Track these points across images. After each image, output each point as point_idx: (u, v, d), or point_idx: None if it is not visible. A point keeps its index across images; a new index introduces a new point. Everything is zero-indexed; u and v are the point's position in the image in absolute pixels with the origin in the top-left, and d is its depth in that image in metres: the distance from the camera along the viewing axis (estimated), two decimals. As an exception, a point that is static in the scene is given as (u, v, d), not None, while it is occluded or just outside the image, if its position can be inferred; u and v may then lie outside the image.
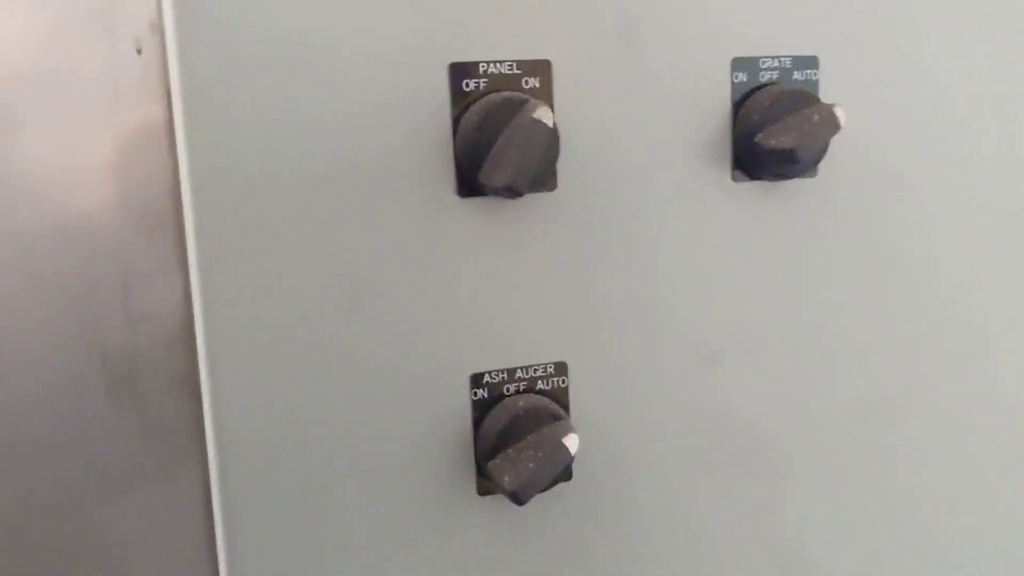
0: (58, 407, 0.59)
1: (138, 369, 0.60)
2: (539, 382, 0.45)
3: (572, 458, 0.41)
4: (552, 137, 0.40)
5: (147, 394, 0.60)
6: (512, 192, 0.39)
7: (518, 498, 0.40)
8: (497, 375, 0.44)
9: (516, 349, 0.44)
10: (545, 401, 0.43)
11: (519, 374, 0.44)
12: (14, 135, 0.57)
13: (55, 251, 0.59)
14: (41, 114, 0.59)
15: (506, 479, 0.40)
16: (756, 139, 0.44)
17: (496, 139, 0.40)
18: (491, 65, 0.42)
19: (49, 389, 0.59)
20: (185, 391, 0.61)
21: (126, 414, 0.60)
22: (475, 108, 0.41)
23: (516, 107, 0.40)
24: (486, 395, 0.44)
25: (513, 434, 0.42)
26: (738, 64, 0.46)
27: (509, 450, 0.41)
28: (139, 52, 0.58)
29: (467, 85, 0.41)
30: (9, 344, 0.58)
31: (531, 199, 0.43)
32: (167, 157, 0.56)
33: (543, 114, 0.39)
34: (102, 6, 0.58)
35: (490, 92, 0.42)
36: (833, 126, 0.43)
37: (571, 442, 0.41)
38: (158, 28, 0.55)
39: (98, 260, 0.59)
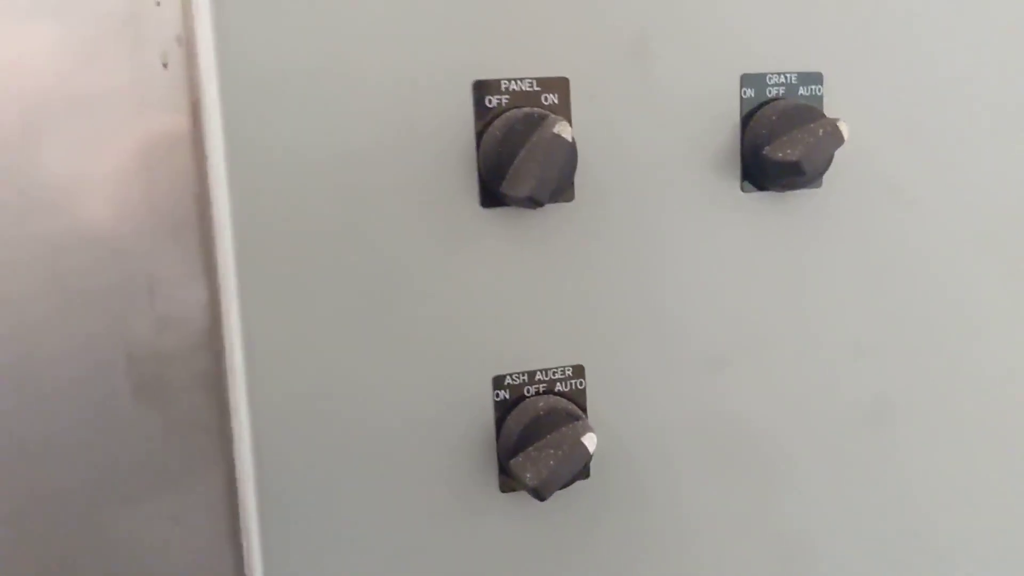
0: (85, 409, 0.61)
1: (163, 372, 0.62)
2: (558, 384, 0.46)
3: (590, 456, 0.42)
4: (571, 151, 0.41)
5: (172, 396, 0.62)
6: (533, 203, 0.41)
7: (539, 494, 0.42)
8: (518, 377, 0.46)
9: (536, 353, 0.46)
10: (564, 402, 0.45)
11: (539, 376, 0.46)
12: (41, 145, 0.58)
13: (82, 257, 0.60)
14: (67, 124, 0.60)
15: (528, 476, 0.42)
16: (764, 152, 0.46)
17: (518, 152, 0.41)
18: (512, 82, 0.43)
19: (76, 392, 0.61)
20: (209, 393, 0.62)
21: (151, 416, 0.62)
22: (498, 123, 0.43)
23: (537, 122, 0.42)
24: (507, 396, 0.45)
25: (534, 433, 0.43)
26: (747, 80, 0.47)
27: (530, 449, 0.43)
28: (165, 66, 0.60)
29: (490, 101, 0.43)
30: (37, 348, 0.60)
31: (550, 209, 0.45)
32: (192, 165, 0.57)
33: (563, 129, 0.41)
34: (128, 19, 0.60)
35: (512, 108, 0.43)
36: (837, 139, 0.45)
37: (589, 441, 0.43)
38: (184, 42, 0.57)
39: (124, 265, 0.61)
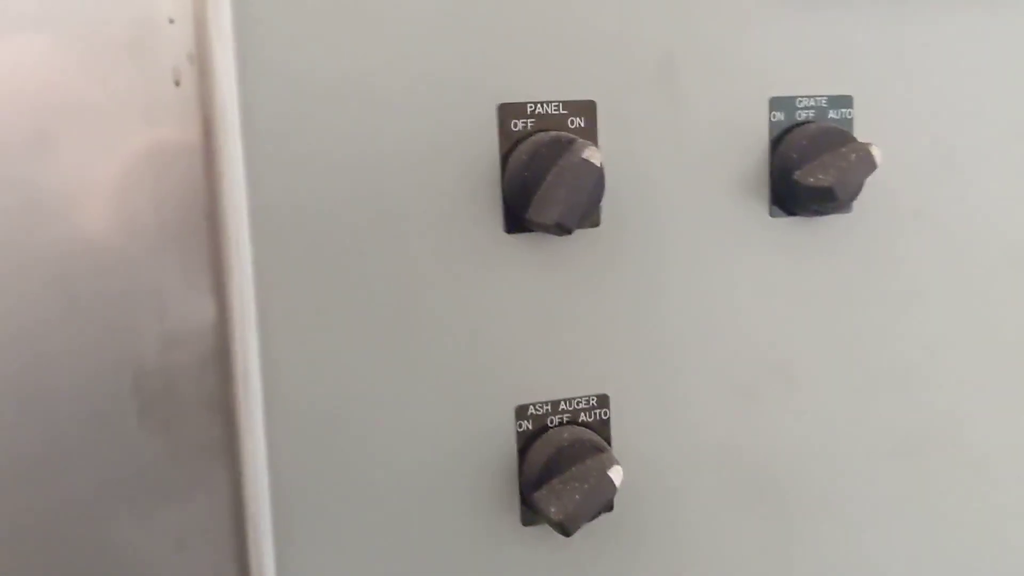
0: (89, 428, 0.60)
1: (171, 390, 0.61)
2: (582, 414, 0.45)
3: (616, 490, 0.41)
4: (600, 176, 0.40)
5: (179, 415, 0.61)
6: (562, 229, 0.40)
7: (565, 529, 0.41)
8: (541, 407, 0.45)
9: (560, 382, 0.45)
10: (588, 433, 0.44)
11: (563, 406, 0.45)
12: (50, 159, 0.58)
13: (89, 273, 0.59)
14: (76, 140, 0.60)
15: (552, 510, 0.41)
16: (794, 176, 0.45)
17: (544, 177, 0.40)
18: (538, 106, 0.43)
19: (80, 410, 0.60)
20: (217, 413, 0.61)
21: (157, 436, 0.61)
22: (523, 147, 0.42)
23: (564, 146, 0.41)
24: (530, 427, 0.44)
25: (558, 465, 0.42)
26: (775, 103, 0.47)
27: (554, 481, 0.42)
28: (177, 84, 0.59)
29: (515, 125, 0.42)
30: (42, 364, 0.59)
31: (576, 235, 0.44)
32: (203, 182, 0.57)
33: (592, 154, 0.40)
34: (140, 37, 0.60)
35: (538, 131, 0.43)
36: (869, 164, 0.44)
37: (616, 474, 0.41)
38: (196, 60, 0.56)
39: (132, 281, 0.60)
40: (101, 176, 0.59)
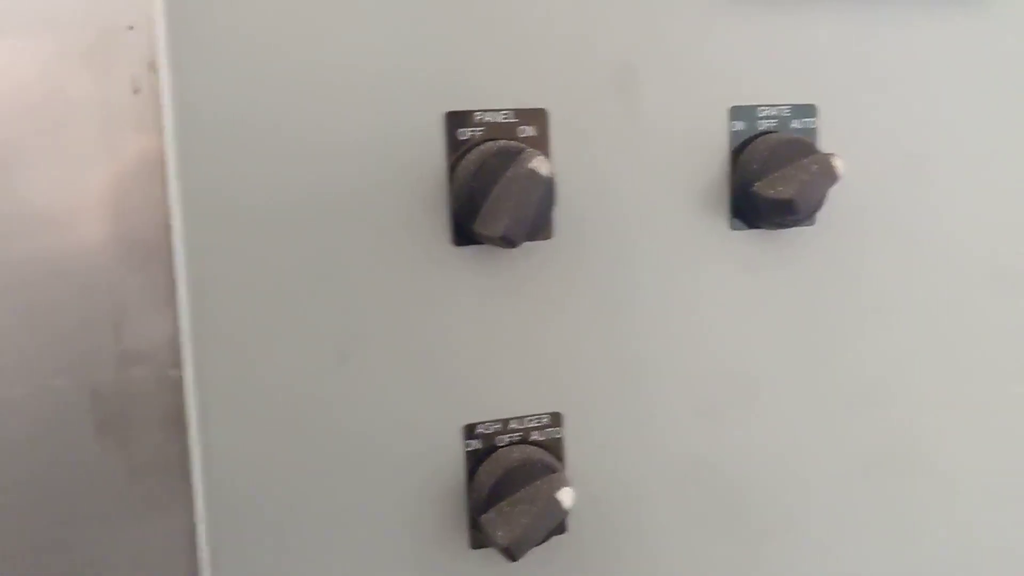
0: (47, 444, 0.59)
1: (128, 407, 0.59)
2: (533, 433, 0.44)
3: (566, 513, 0.40)
4: (548, 188, 0.39)
5: (136, 432, 0.60)
6: (507, 242, 0.39)
7: (511, 554, 0.39)
8: (491, 426, 0.43)
9: (510, 399, 0.44)
10: (540, 453, 0.43)
11: (513, 425, 0.44)
12: (9, 170, 0.56)
13: (47, 285, 0.58)
14: (36, 150, 0.59)
15: (499, 534, 0.40)
16: (755, 188, 0.44)
17: (492, 188, 0.39)
18: (487, 114, 0.42)
19: (38, 426, 0.59)
20: (175, 430, 0.60)
21: (115, 452, 0.59)
22: (471, 157, 0.41)
23: (512, 156, 0.40)
24: (480, 446, 0.43)
25: (507, 487, 0.41)
26: (736, 112, 0.46)
27: (503, 503, 0.41)
28: (136, 92, 0.58)
29: (463, 134, 0.41)
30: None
31: (527, 248, 0.43)
32: (162, 199, 0.56)
33: (540, 164, 0.39)
34: (100, 44, 0.58)
35: (486, 141, 0.41)
36: (831, 176, 0.43)
37: (566, 496, 0.40)
38: (156, 68, 0.55)
39: (90, 296, 0.59)
40: (59, 188, 0.58)
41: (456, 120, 0.41)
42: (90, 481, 0.59)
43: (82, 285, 0.60)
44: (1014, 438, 0.53)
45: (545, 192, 0.39)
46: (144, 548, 0.60)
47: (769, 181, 0.44)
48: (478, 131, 0.42)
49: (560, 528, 0.44)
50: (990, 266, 0.51)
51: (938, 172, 0.50)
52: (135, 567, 0.61)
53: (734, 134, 0.46)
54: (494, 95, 0.42)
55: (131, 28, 0.60)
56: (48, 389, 0.58)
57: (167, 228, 0.54)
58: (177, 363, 0.51)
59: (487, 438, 0.43)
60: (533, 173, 0.38)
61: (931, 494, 0.52)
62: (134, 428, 0.59)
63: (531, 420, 0.44)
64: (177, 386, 0.53)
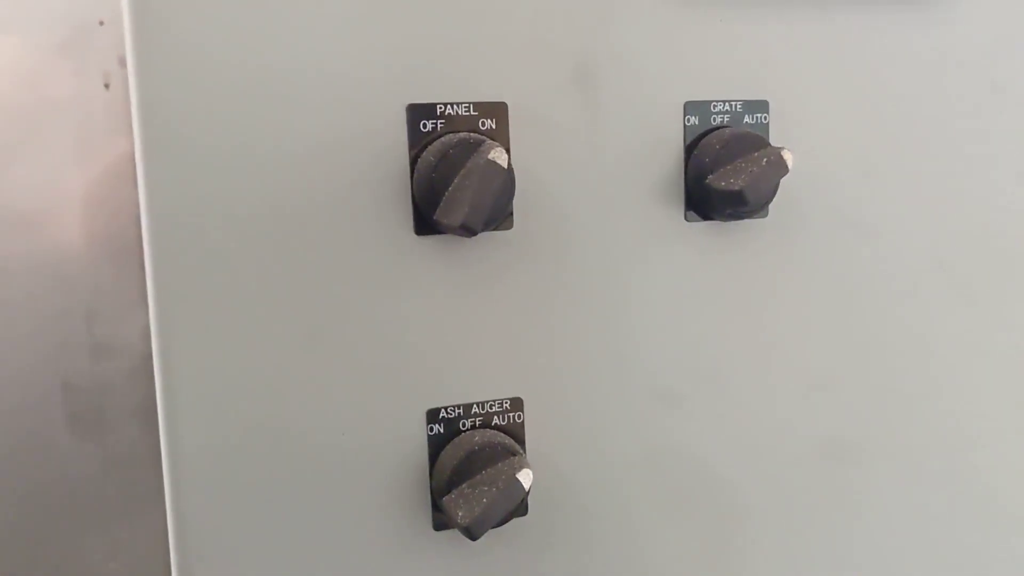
0: (16, 440, 0.59)
1: (101, 400, 0.60)
2: (495, 417, 0.45)
3: (526, 493, 0.41)
4: (507, 177, 0.40)
5: (109, 425, 0.60)
6: (467, 231, 0.40)
7: (471, 533, 0.40)
8: (453, 411, 0.44)
9: (472, 385, 0.44)
10: (500, 436, 0.44)
11: (475, 410, 0.45)
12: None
13: (22, 281, 0.58)
14: (9, 147, 0.59)
15: (460, 514, 0.41)
16: (707, 181, 0.45)
17: (452, 179, 0.40)
18: (448, 107, 0.42)
19: (10, 418, 0.59)
20: (148, 422, 0.60)
21: (88, 445, 0.60)
22: (432, 148, 0.42)
23: (472, 148, 0.41)
24: (442, 430, 0.44)
25: (468, 469, 0.42)
26: (690, 108, 0.47)
27: (464, 485, 0.42)
28: (107, 87, 0.58)
29: (425, 126, 0.42)
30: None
31: (488, 237, 0.44)
32: (134, 192, 0.56)
33: (498, 155, 0.40)
34: (71, 40, 0.59)
35: (447, 133, 0.42)
36: (782, 168, 0.44)
37: (525, 477, 0.41)
38: (127, 63, 0.55)
39: (64, 290, 0.60)
40: (32, 183, 0.58)
41: (418, 112, 0.42)
42: (61, 475, 0.60)
43: (54, 279, 0.60)
44: (964, 421, 0.54)
45: (504, 182, 0.40)
46: (118, 544, 0.61)
47: (721, 174, 0.45)
48: (440, 123, 0.42)
49: (521, 510, 0.45)
50: (932, 257, 0.52)
51: (888, 165, 0.51)
52: (108, 563, 0.61)
53: (688, 128, 0.47)
54: (456, 88, 0.43)
55: (102, 23, 0.60)
56: (19, 380, 0.58)
57: (140, 222, 0.54)
58: (150, 357, 0.52)
59: (449, 422, 0.44)
60: (492, 164, 0.39)
61: (894, 478, 0.53)
62: (107, 420, 0.60)
63: (493, 405, 0.45)
64: (151, 379, 0.54)
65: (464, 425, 0.44)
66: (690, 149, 0.47)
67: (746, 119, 0.48)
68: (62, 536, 0.59)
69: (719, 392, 0.49)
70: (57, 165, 0.59)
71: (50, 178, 0.59)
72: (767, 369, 0.50)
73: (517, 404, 0.45)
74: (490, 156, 0.40)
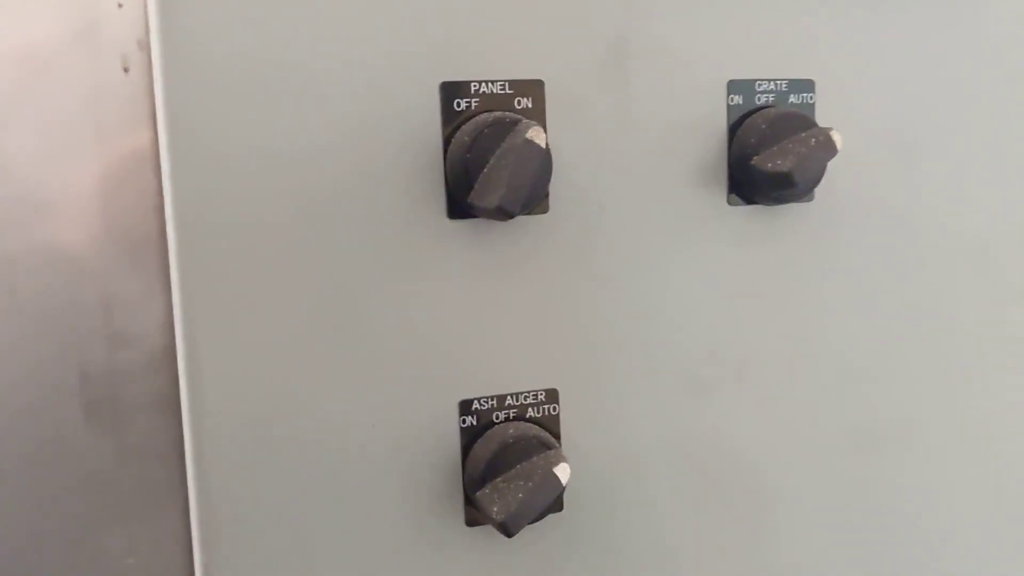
0: (34, 432, 0.58)
1: (118, 391, 0.59)
2: (529, 409, 0.44)
3: (563, 488, 0.40)
4: (545, 158, 0.39)
5: (127, 417, 0.59)
6: (504, 214, 0.38)
7: (507, 529, 0.39)
8: (486, 402, 0.43)
9: (506, 375, 0.43)
10: (535, 429, 0.42)
11: (509, 401, 0.43)
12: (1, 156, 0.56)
13: (37, 270, 0.57)
14: (26, 133, 0.58)
15: (495, 510, 0.39)
16: (752, 162, 0.44)
17: (488, 160, 0.39)
18: (483, 84, 0.41)
19: (26, 410, 0.58)
20: (166, 414, 0.59)
21: (105, 436, 0.58)
22: (466, 128, 0.40)
23: (508, 127, 0.39)
24: (475, 422, 0.43)
25: (502, 463, 0.41)
26: (734, 87, 0.45)
27: (498, 480, 0.40)
28: (126, 71, 0.57)
29: (458, 105, 0.41)
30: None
31: (522, 222, 0.42)
32: (153, 179, 0.55)
33: (536, 135, 0.38)
34: (87, 23, 0.58)
35: (482, 112, 0.41)
36: (830, 149, 0.43)
37: (562, 472, 0.40)
38: (146, 46, 0.54)
39: (80, 280, 0.58)
40: (49, 170, 0.57)
41: (452, 91, 0.41)
42: (79, 468, 0.58)
43: (72, 269, 0.59)
44: (999, 416, 0.53)
45: (542, 163, 0.39)
46: (136, 540, 0.59)
47: (767, 155, 0.43)
48: (474, 102, 0.41)
49: (557, 505, 0.44)
50: (975, 248, 0.51)
51: (933, 151, 0.49)
52: (127, 559, 0.60)
53: (732, 108, 0.45)
54: (490, 66, 0.41)
55: (120, 6, 0.59)
56: (36, 371, 0.57)
57: (159, 213, 0.53)
58: (170, 347, 0.50)
59: (482, 414, 0.43)
60: (530, 143, 0.38)
61: (920, 472, 0.52)
62: (124, 412, 0.58)
63: (527, 396, 0.43)
64: (169, 370, 0.53)
65: (498, 417, 0.43)
66: (734, 129, 0.45)
67: (791, 98, 0.46)
68: (80, 531, 0.58)
69: (755, 381, 0.48)
70: (74, 153, 0.58)
71: (68, 164, 0.57)
72: (803, 356, 0.49)
73: (552, 396, 0.44)
74: (528, 135, 0.38)
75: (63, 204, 0.58)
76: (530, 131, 0.38)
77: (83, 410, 0.58)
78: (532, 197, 0.40)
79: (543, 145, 0.38)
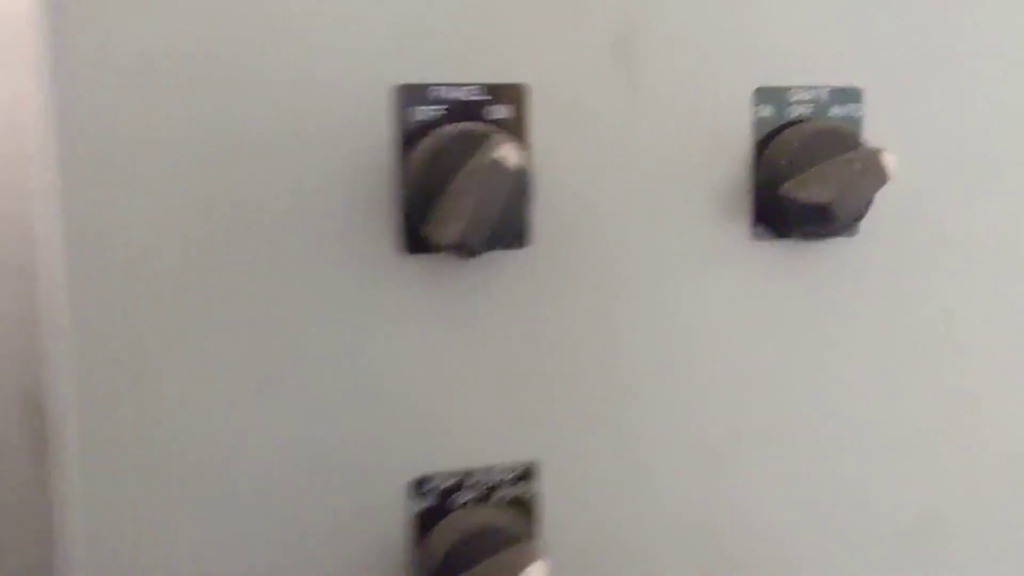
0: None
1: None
2: (501, 488, 0.38)
3: (537, 595, 0.34)
4: (518, 182, 0.34)
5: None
6: (465, 250, 0.34)
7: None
8: (446, 479, 0.38)
9: (472, 446, 0.38)
10: (505, 517, 0.37)
11: (476, 478, 0.38)
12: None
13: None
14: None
15: (453, 621, 0.33)
16: (782, 189, 0.40)
17: (448, 183, 0.34)
18: (448, 89, 0.36)
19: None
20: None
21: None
22: (425, 144, 0.35)
23: (475, 143, 0.34)
24: (431, 505, 0.37)
25: (463, 559, 0.35)
26: (762, 95, 0.41)
27: (458, 580, 0.34)
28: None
29: (417, 113, 0.36)
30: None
31: (496, 257, 0.37)
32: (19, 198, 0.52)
33: (507, 153, 0.33)
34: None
35: (447, 122, 0.36)
36: (879, 176, 0.39)
37: (538, 572, 0.34)
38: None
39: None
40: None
41: (409, 96, 0.36)
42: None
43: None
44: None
45: (514, 188, 0.33)
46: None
47: (801, 180, 0.40)
48: (437, 110, 0.36)
49: (532, 609, 0.38)
50: None
51: (1005, 178, 0.45)
52: None
53: (759, 121, 0.41)
54: (460, 66, 0.37)
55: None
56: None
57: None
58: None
59: (441, 495, 0.37)
60: (497, 164, 0.33)
61: (981, 561, 0.47)
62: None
63: (498, 472, 0.38)
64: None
65: (459, 500, 0.38)
66: (761, 147, 0.41)
67: (834, 110, 0.43)
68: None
69: (780, 452, 0.43)
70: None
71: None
72: (842, 424, 0.44)
73: (531, 471, 0.39)
74: (496, 154, 0.33)
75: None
76: (501, 148, 0.33)
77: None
78: (503, 229, 0.34)
79: (513, 166, 0.33)
